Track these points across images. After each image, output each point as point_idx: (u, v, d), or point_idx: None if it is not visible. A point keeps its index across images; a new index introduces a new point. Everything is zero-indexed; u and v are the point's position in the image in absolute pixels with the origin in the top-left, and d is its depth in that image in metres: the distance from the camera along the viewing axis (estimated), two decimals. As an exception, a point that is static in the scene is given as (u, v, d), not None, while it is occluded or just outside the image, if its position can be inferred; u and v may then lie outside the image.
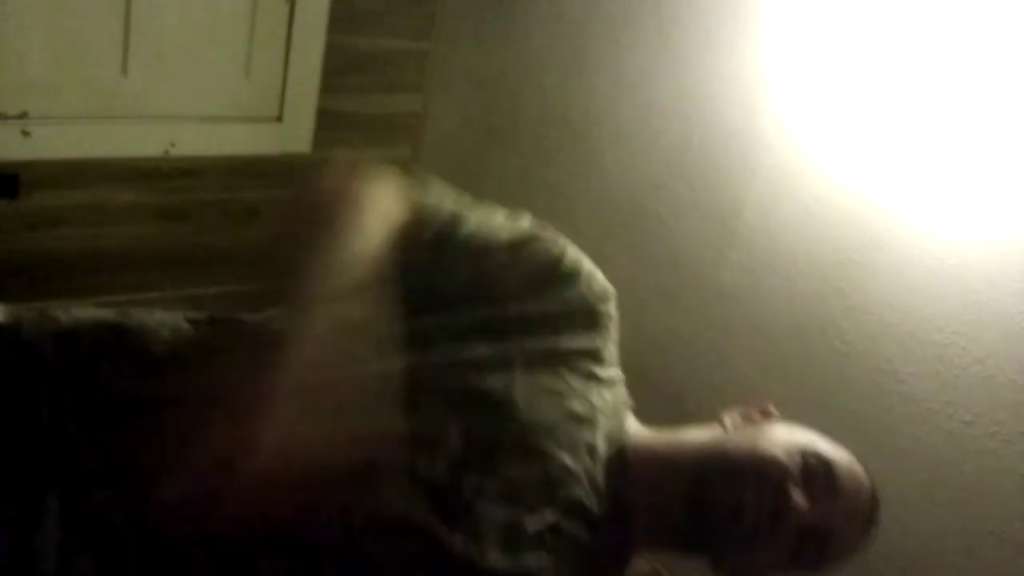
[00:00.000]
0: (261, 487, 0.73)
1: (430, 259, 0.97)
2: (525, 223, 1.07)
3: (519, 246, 1.02)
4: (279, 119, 2.58)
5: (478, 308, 0.98)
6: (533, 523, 0.90)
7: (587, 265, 1.07)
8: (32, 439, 0.82)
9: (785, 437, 0.99)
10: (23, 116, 2.26)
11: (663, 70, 2.11)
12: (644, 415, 2.26)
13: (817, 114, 1.79)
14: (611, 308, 1.08)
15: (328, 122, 2.63)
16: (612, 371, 1.07)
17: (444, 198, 1.03)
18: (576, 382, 0.99)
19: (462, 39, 2.72)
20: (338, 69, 2.60)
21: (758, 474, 0.94)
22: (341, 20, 2.54)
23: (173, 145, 2.45)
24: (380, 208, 0.93)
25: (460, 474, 0.89)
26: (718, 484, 0.94)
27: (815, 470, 0.96)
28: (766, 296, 1.91)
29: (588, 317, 1.04)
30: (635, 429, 1.05)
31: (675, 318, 2.09)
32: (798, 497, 0.93)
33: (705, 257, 2.03)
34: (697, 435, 1.03)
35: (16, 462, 0.81)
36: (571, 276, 1.04)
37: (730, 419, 1.05)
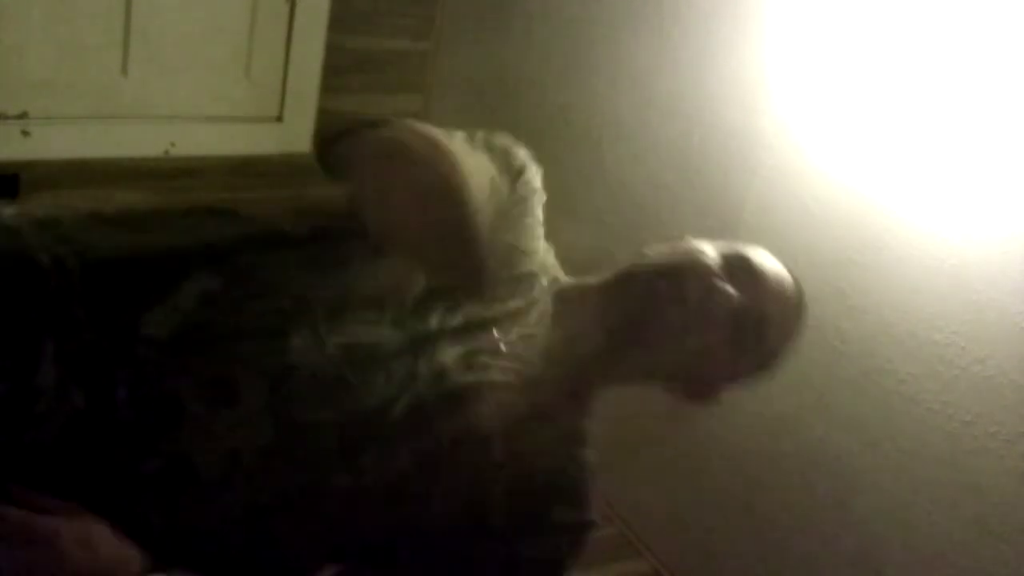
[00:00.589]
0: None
1: None
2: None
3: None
4: (279, 119, 2.58)
5: None
6: (490, 346, 0.95)
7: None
8: (32, 290, 0.85)
9: (700, 244, 1.03)
10: (23, 116, 2.26)
11: (663, 70, 2.10)
12: (641, 414, 2.25)
13: (817, 114, 1.79)
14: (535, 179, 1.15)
15: (328, 122, 2.63)
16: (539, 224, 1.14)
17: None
18: (522, 231, 1.08)
19: (462, 39, 2.72)
20: (338, 69, 2.60)
21: (681, 270, 0.97)
22: (341, 20, 2.54)
23: (173, 145, 2.45)
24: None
25: (424, 310, 0.94)
26: (645, 289, 0.97)
27: (733, 261, 0.99)
28: (766, 296, 1.91)
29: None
30: (567, 278, 1.12)
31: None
32: (724, 285, 0.96)
33: (705, 257, 2.03)
34: (621, 264, 1.06)
35: (15, 314, 0.84)
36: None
37: (650, 246, 1.08)
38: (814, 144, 1.79)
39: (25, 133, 2.26)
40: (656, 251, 1.06)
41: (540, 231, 1.12)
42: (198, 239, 0.93)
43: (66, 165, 2.35)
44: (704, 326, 0.96)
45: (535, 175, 1.13)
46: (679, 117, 2.07)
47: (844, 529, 1.80)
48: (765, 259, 1.03)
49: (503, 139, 1.13)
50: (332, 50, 2.56)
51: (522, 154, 1.13)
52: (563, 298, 1.05)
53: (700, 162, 2.03)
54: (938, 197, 1.60)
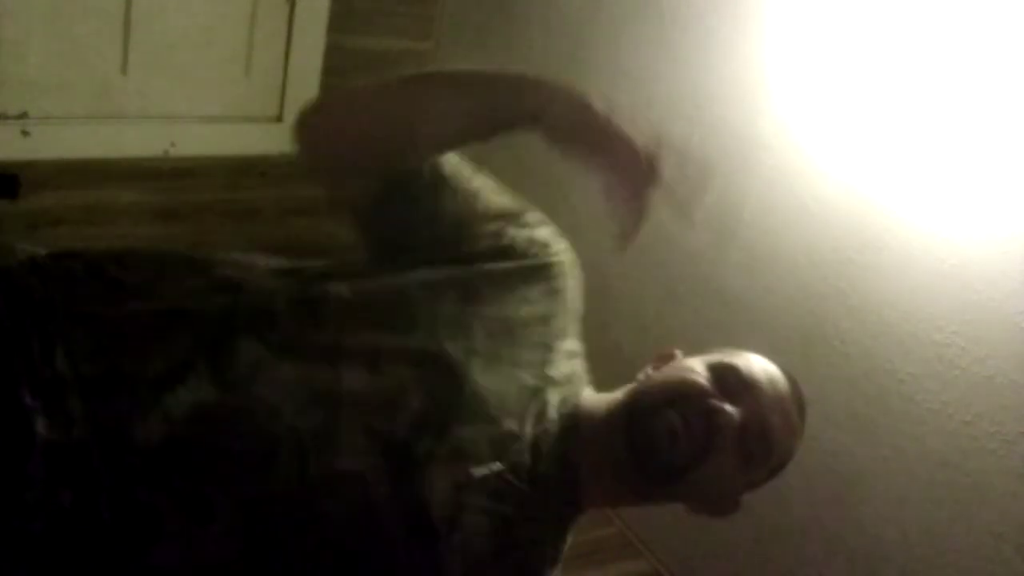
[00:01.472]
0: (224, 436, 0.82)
1: (430, 191, 1.04)
2: (517, 202, 1.15)
3: (506, 217, 1.10)
4: (279, 119, 2.58)
5: (449, 253, 1.03)
6: (479, 472, 0.94)
7: (557, 242, 1.15)
8: (22, 368, 0.86)
9: (689, 362, 1.05)
10: (23, 116, 2.26)
11: (663, 70, 2.11)
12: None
13: (817, 114, 1.79)
14: (568, 281, 1.13)
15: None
16: (569, 343, 1.10)
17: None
18: (530, 353, 1.03)
19: (462, 39, 2.72)
20: (338, 69, 2.60)
21: (678, 398, 0.99)
22: (341, 20, 2.54)
23: (173, 145, 2.46)
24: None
25: (417, 435, 0.92)
26: (645, 421, 0.98)
27: (725, 375, 1.01)
28: (766, 296, 1.91)
29: (548, 288, 1.09)
30: (588, 398, 1.08)
31: (675, 318, 2.09)
32: (723, 404, 0.97)
33: (705, 257, 2.03)
34: (619, 395, 1.07)
35: (10, 403, 0.84)
36: (539, 250, 1.11)
37: (643, 372, 1.10)
38: (814, 144, 1.79)
39: (25, 133, 2.26)
40: (652, 378, 1.07)
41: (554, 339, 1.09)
42: (196, 335, 0.91)
43: (66, 165, 2.36)
44: (714, 451, 0.98)
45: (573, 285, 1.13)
46: (679, 117, 2.07)
47: (844, 529, 1.80)
48: (754, 364, 1.05)
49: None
50: (332, 50, 2.56)
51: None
52: (583, 424, 1.04)
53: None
54: (938, 197, 1.60)
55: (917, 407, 1.66)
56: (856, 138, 1.72)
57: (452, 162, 1.09)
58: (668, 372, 1.06)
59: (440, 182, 1.07)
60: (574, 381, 1.08)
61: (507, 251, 1.09)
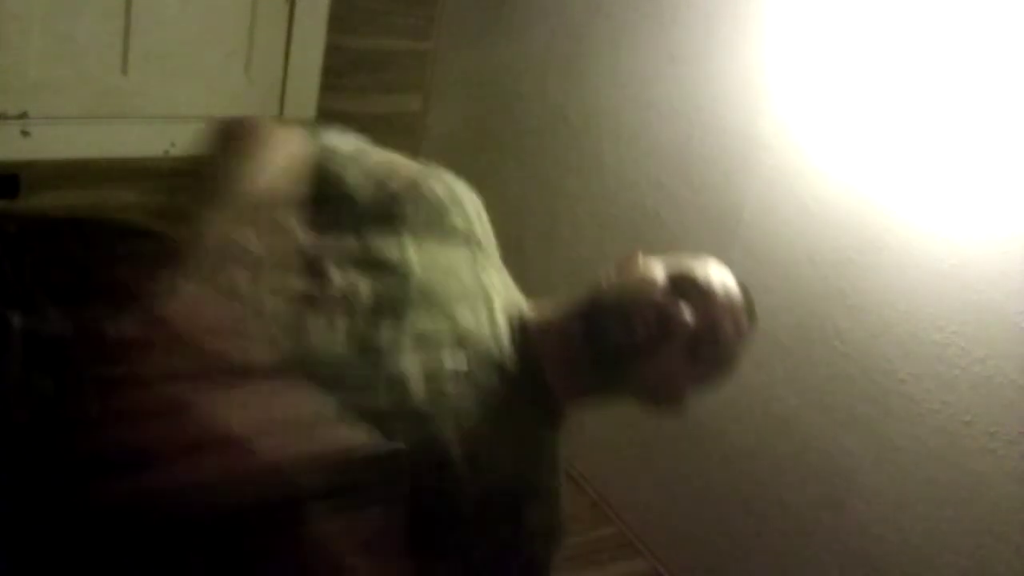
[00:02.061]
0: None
1: (330, 186, 1.10)
2: (407, 161, 1.20)
3: (409, 181, 1.15)
4: (279, 119, 2.58)
5: (372, 208, 1.10)
6: (450, 362, 0.99)
7: (449, 175, 1.21)
8: None
9: (650, 266, 1.10)
10: (23, 116, 2.26)
11: (663, 70, 2.11)
12: (642, 415, 2.26)
13: (817, 114, 1.79)
14: (477, 208, 1.21)
15: (328, 122, 2.63)
16: (496, 264, 1.17)
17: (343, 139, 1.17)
18: (463, 258, 1.10)
19: (462, 39, 2.72)
20: (338, 69, 2.60)
21: (636, 296, 1.05)
22: (341, 20, 2.54)
23: (173, 145, 2.45)
24: (286, 141, 1.09)
25: (376, 323, 0.98)
26: (606, 319, 1.04)
27: (683, 283, 1.06)
28: (766, 296, 1.91)
29: (461, 212, 1.16)
30: (533, 305, 1.15)
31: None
32: (677, 308, 1.03)
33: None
34: (579, 293, 1.12)
35: None
36: (439, 182, 1.18)
37: (604, 274, 1.14)
38: (814, 144, 1.79)
39: (25, 133, 2.26)
40: (611, 279, 1.12)
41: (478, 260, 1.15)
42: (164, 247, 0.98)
43: (66, 165, 2.35)
44: (663, 351, 1.03)
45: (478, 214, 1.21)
46: (679, 117, 2.07)
47: (844, 529, 1.80)
48: (712, 273, 1.09)
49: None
50: (332, 50, 2.56)
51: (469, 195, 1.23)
52: (535, 328, 1.10)
53: (700, 162, 2.03)
54: (938, 197, 1.60)
55: (917, 407, 1.66)
56: (856, 138, 1.72)
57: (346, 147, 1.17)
58: (629, 273, 1.10)
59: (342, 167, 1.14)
60: (512, 293, 1.15)
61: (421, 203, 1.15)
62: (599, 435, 2.38)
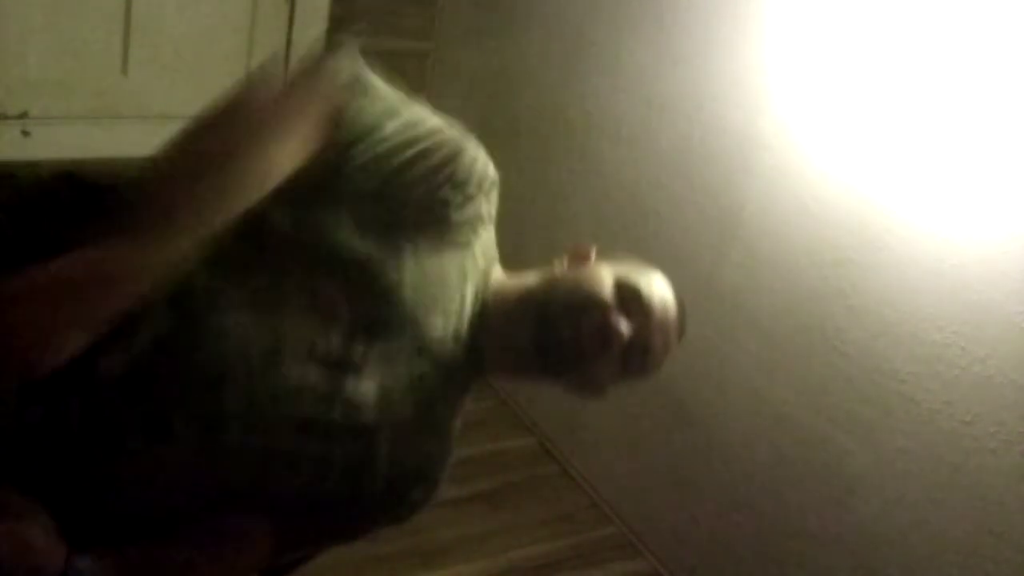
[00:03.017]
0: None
1: (346, 159, 1.08)
2: (433, 122, 1.18)
3: (426, 150, 1.13)
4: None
5: (381, 206, 1.09)
6: (405, 372, 1.08)
7: (477, 152, 1.21)
8: None
9: (602, 273, 1.17)
10: (23, 116, 2.26)
11: (663, 70, 2.11)
12: (643, 415, 2.25)
13: (817, 114, 1.79)
14: (490, 186, 1.21)
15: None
16: (485, 232, 1.20)
17: (373, 92, 1.14)
18: (454, 257, 1.14)
19: (462, 39, 2.72)
20: (338, 69, 2.60)
21: (583, 308, 1.11)
22: (341, 20, 2.54)
23: (173, 145, 2.46)
24: (304, 107, 1.07)
25: (349, 345, 1.04)
26: (553, 321, 1.11)
27: (628, 296, 1.14)
28: (766, 296, 1.91)
29: (472, 192, 1.17)
30: (495, 279, 1.20)
31: (675, 318, 2.09)
32: (619, 324, 1.11)
33: (705, 257, 2.03)
34: (534, 278, 1.19)
35: None
36: (461, 172, 1.16)
37: (559, 263, 1.21)
38: (814, 144, 1.79)
39: (25, 133, 2.26)
40: (564, 272, 1.19)
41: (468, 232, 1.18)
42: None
43: (66, 165, 2.35)
44: (597, 355, 1.11)
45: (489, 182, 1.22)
46: (679, 117, 2.07)
47: (844, 529, 1.80)
48: (656, 288, 1.18)
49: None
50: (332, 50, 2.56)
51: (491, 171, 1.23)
52: (492, 306, 1.17)
53: (700, 162, 2.03)
54: (938, 197, 1.60)
55: (917, 407, 1.66)
56: (856, 138, 1.72)
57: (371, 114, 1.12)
58: (580, 277, 1.17)
59: (364, 145, 1.10)
60: (487, 267, 1.19)
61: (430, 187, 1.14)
62: (599, 435, 2.38)
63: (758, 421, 1.96)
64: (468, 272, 1.15)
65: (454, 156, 1.15)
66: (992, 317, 1.53)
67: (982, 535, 1.58)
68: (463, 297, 1.14)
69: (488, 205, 1.20)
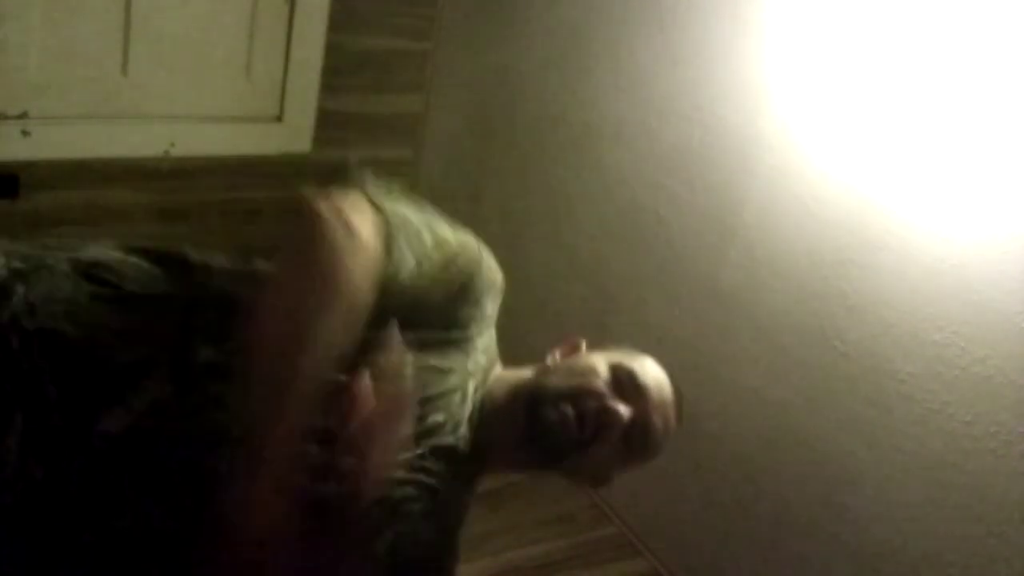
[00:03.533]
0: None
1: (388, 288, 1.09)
2: (454, 241, 1.17)
3: (447, 271, 1.14)
4: (279, 119, 2.58)
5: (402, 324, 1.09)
6: (402, 461, 1.07)
7: (491, 262, 1.21)
8: (3, 366, 0.97)
9: (594, 360, 1.18)
10: (23, 116, 2.26)
11: (663, 70, 2.11)
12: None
13: (817, 114, 1.79)
14: (497, 292, 1.22)
15: (328, 122, 2.63)
16: (487, 335, 1.22)
17: (406, 226, 1.10)
18: (457, 358, 1.16)
19: (462, 39, 2.72)
20: (338, 69, 2.60)
21: (578, 393, 1.12)
22: (341, 20, 2.54)
23: (173, 145, 2.45)
24: (360, 262, 1.02)
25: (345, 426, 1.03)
26: (545, 410, 1.11)
27: (622, 378, 1.15)
28: (766, 296, 1.92)
29: (480, 298, 1.19)
30: (497, 378, 1.22)
31: (675, 318, 2.09)
32: (615, 405, 1.12)
33: (705, 257, 2.03)
34: (527, 373, 1.21)
35: None
36: (478, 284, 1.18)
37: (551, 356, 1.23)
38: (814, 144, 1.80)
39: (25, 133, 2.26)
40: (556, 363, 1.20)
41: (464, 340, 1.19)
42: (160, 336, 1.02)
43: (66, 165, 2.35)
44: (599, 442, 1.12)
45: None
46: (679, 117, 2.07)
47: (844, 529, 1.80)
48: (649, 370, 1.19)
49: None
50: (332, 50, 2.56)
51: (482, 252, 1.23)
52: (489, 404, 1.18)
53: (700, 162, 2.03)
54: (938, 197, 1.60)
55: (917, 407, 1.66)
56: (856, 138, 1.72)
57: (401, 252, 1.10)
58: (573, 365, 1.19)
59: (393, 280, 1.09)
60: (488, 365, 1.21)
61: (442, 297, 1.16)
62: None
63: (758, 421, 1.96)
64: (470, 371, 1.16)
65: (475, 271, 1.17)
66: (992, 317, 1.53)
67: (982, 535, 1.58)
68: (464, 397, 1.15)
69: (493, 307, 1.22)
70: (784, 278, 1.87)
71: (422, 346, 1.10)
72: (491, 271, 1.19)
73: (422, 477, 1.10)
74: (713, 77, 1.99)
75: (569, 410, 1.11)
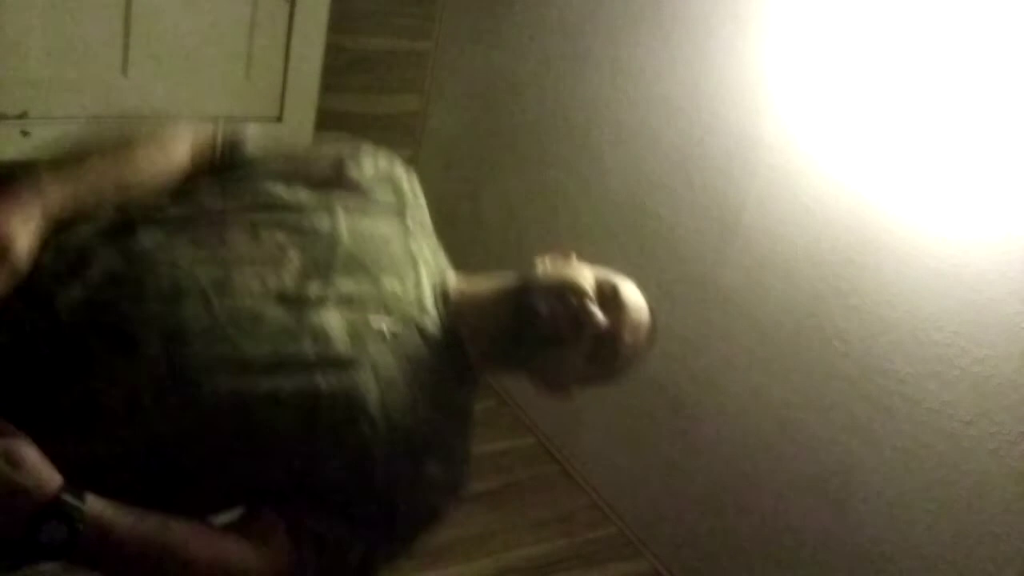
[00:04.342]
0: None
1: (233, 164, 1.22)
2: (332, 147, 1.31)
3: (333, 162, 1.26)
4: (279, 119, 2.58)
5: (294, 184, 1.20)
6: (375, 322, 1.10)
7: (378, 152, 1.30)
8: None
9: (582, 269, 1.23)
10: (23, 116, 2.26)
11: (663, 70, 2.11)
12: (642, 415, 2.25)
13: (817, 115, 1.79)
14: (408, 180, 1.32)
15: (328, 122, 2.63)
16: (427, 233, 1.27)
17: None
18: (393, 230, 1.21)
19: (462, 39, 2.72)
20: (338, 69, 2.60)
21: (562, 292, 1.16)
22: (341, 20, 2.54)
23: (173, 145, 2.45)
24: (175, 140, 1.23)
25: (304, 283, 1.08)
26: (533, 302, 1.15)
27: (605, 291, 1.19)
28: (766, 296, 1.92)
29: (390, 186, 1.28)
30: (462, 277, 1.26)
31: (675, 318, 2.09)
32: (595, 309, 1.15)
33: (705, 257, 2.03)
34: (512, 276, 1.24)
35: None
36: (367, 159, 1.29)
37: (542, 261, 1.27)
38: (814, 144, 1.80)
39: (25, 133, 2.26)
40: (544, 268, 1.25)
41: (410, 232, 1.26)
42: (107, 226, 1.09)
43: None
44: (572, 340, 1.15)
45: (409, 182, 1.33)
46: (679, 118, 2.07)
47: (844, 529, 1.80)
48: (632, 293, 1.23)
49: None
50: (332, 50, 2.56)
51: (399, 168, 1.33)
52: (460, 298, 1.22)
53: (700, 162, 2.03)
54: (938, 197, 1.60)
55: (917, 407, 1.66)
56: (856, 138, 1.72)
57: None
58: (563, 269, 1.23)
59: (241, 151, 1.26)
60: (440, 263, 1.25)
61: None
62: (599, 435, 2.38)
63: (758, 421, 1.96)
64: (415, 255, 1.20)
65: (348, 153, 1.26)
66: (992, 317, 1.53)
67: (982, 535, 1.58)
68: (418, 276, 1.18)
69: (410, 196, 1.28)
70: (784, 278, 1.87)
71: (347, 208, 1.17)
72: (371, 153, 1.28)
73: (397, 349, 1.11)
74: (713, 77, 1.99)
75: (556, 302, 1.15)
